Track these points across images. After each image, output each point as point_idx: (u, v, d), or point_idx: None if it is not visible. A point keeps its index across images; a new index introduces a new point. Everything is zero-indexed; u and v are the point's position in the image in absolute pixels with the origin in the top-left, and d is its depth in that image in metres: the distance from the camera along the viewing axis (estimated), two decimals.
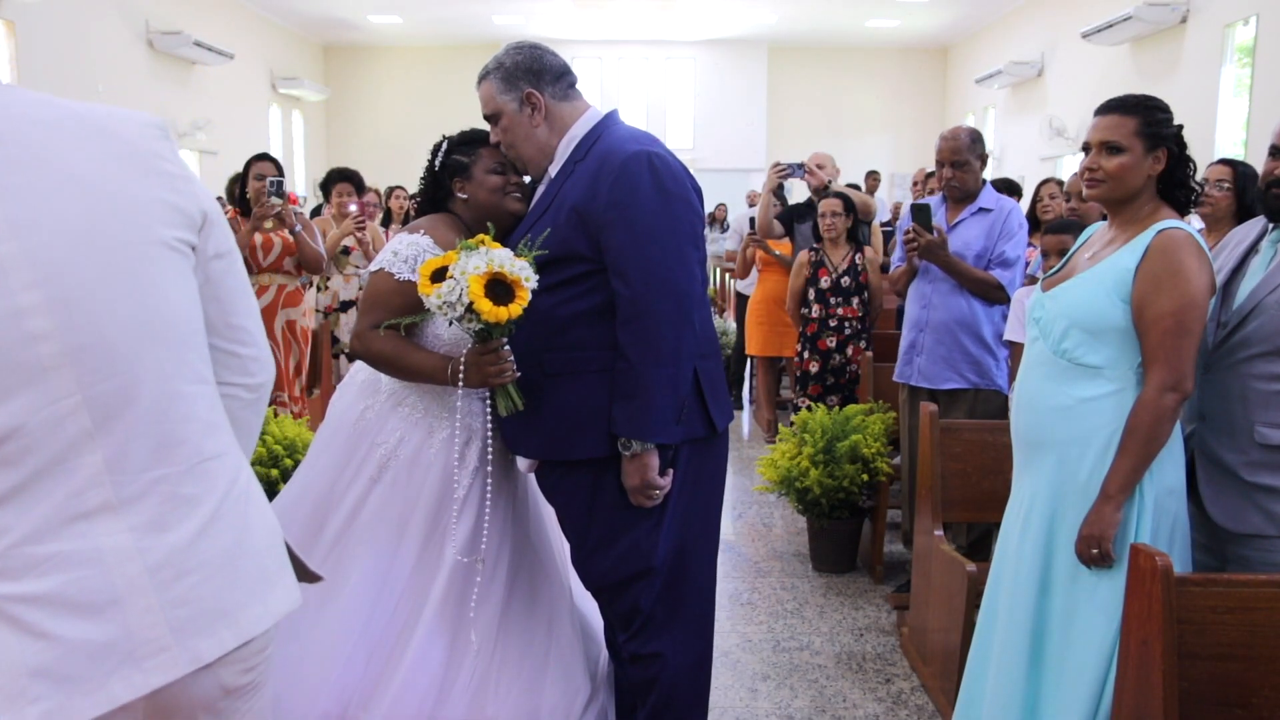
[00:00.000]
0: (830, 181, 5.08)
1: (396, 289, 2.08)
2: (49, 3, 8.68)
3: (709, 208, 11.92)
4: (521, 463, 2.18)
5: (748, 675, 3.04)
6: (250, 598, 1.16)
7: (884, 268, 4.91)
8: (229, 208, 4.79)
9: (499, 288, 1.85)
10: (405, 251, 2.10)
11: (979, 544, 3.39)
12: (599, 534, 2.05)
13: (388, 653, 2.10)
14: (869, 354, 4.43)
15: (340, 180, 5.21)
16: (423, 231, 2.15)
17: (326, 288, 5.21)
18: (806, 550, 4.08)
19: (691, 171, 2.07)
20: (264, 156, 4.52)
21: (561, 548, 2.32)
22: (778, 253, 5.71)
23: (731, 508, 4.71)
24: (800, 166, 4.90)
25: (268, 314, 4.41)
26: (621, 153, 1.95)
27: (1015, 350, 3.22)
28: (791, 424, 4.07)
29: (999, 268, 3.41)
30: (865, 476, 3.74)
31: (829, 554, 3.94)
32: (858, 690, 2.96)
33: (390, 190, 7.12)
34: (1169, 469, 1.97)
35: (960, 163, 3.44)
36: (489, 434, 2.12)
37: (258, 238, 4.37)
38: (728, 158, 16.00)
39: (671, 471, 2.02)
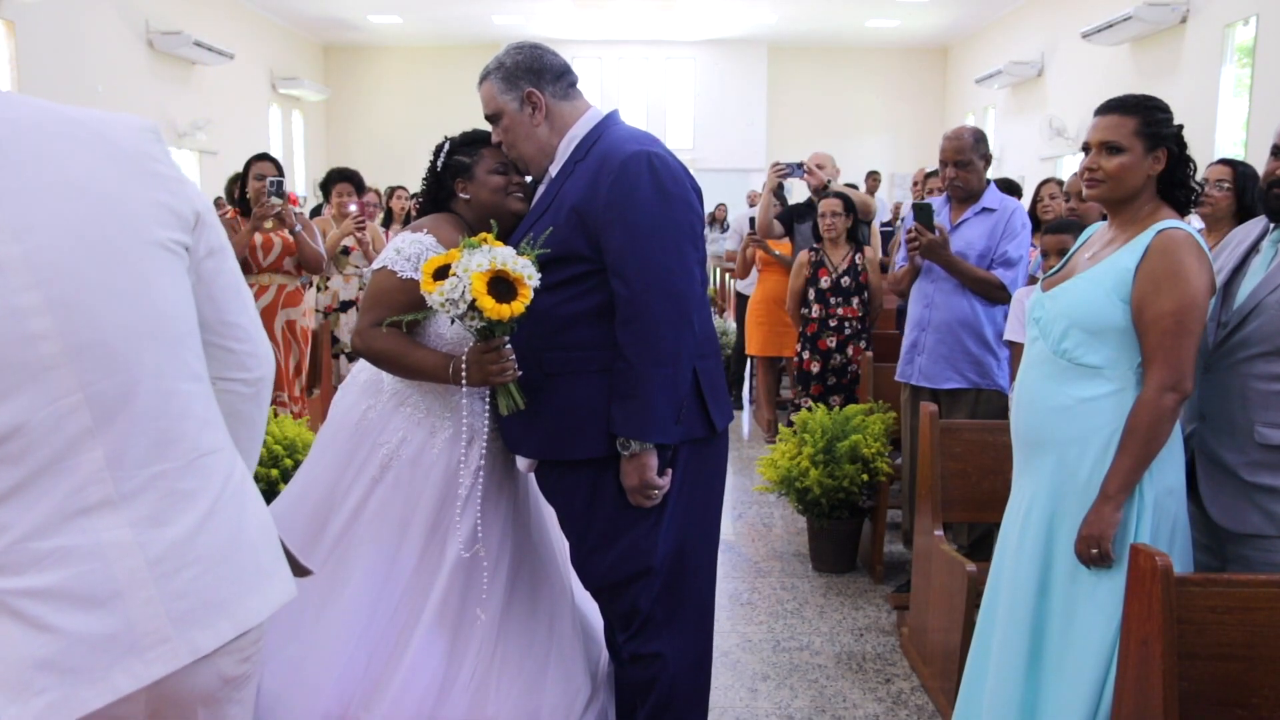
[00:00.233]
0: (830, 181, 5.08)
1: (399, 286, 2.08)
2: (49, 3, 8.68)
3: (709, 208, 11.92)
4: (521, 463, 2.18)
5: (748, 675, 3.04)
6: (247, 590, 1.19)
7: (884, 267, 4.91)
8: (229, 208, 4.79)
9: (501, 285, 1.85)
10: (408, 249, 2.10)
11: (979, 544, 3.39)
12: (598, 534, 2.05)
13: (388, 652, 2.10)
14: (869, 354, 4.43)
15: (340, 180, 5.22)
16: (426, 230, 2.16)
17: (326, 288, 5.22)
18: (806, 550, 4.08)
19: (691, 171, 2.07)
20: (264, 156, 4.52)
21: (562, 548, 2.32)
22: (778, 253, 5.71)
23: (731, 508, 4.71)
24: (800, 166, 4.90)
25: (267, 314, 4.42)
26: (621, 153, 1.95)
27: (1015, 350, 3.22)
28: (791, 424, 4.07)
29: (1001, 267, 3.40)
30: (865, 476, 3.74)
31: (829, 554, 3.94)
32: (858, 690, 2.96)
33: (390, 190, 7.12)
34: (1169, 469, 1.97)
35: (964, 162, 3.44)
36: (489, 434, 2.12)
37: (258, 238, 4.37)
38: (728, 158, 16.01)
39: (670, 471, 2.02)
